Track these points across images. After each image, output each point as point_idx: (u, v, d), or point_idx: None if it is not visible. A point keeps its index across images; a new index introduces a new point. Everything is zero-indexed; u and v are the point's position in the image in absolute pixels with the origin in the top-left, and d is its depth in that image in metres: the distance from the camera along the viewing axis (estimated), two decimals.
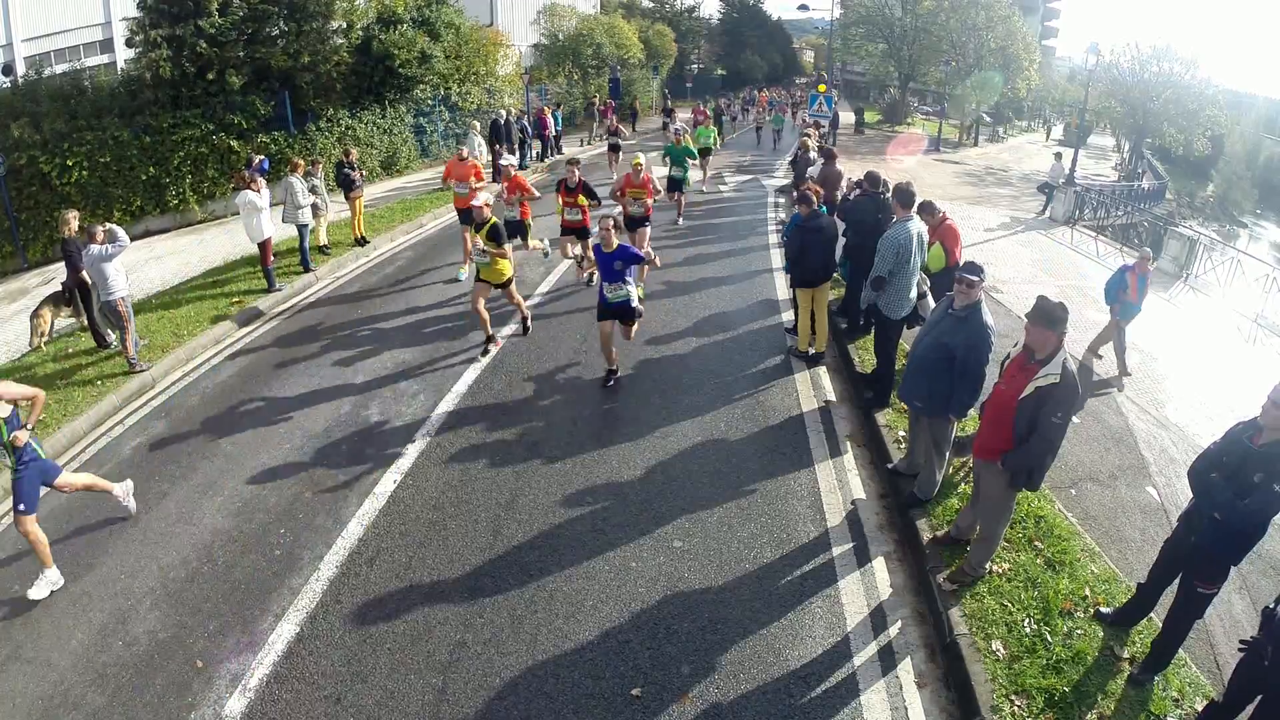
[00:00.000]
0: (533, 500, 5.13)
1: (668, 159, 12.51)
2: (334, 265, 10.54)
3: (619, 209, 9.40)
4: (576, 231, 9.00)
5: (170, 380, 7.14)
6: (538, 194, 9.08)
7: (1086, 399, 7.10)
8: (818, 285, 7.05)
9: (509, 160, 9.32)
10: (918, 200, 6.18)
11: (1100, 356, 8.19)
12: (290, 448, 5.83)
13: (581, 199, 8.73)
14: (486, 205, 7.15)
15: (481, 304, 7.21)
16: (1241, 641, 3.23)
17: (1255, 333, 10.88)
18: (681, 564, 4.53)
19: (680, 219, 13.05)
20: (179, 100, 13.65)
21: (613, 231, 6.20)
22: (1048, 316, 3.75)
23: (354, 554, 4.60)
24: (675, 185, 12.54)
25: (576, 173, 8.63)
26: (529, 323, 7.88)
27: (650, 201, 9.24)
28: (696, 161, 13.56)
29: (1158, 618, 3.96)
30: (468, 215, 9.86)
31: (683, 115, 27.04)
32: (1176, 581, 3.74)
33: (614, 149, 18.26)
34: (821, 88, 22.01)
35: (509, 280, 7.32)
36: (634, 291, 6.45)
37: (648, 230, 9.36)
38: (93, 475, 5.01)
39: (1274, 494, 3.17)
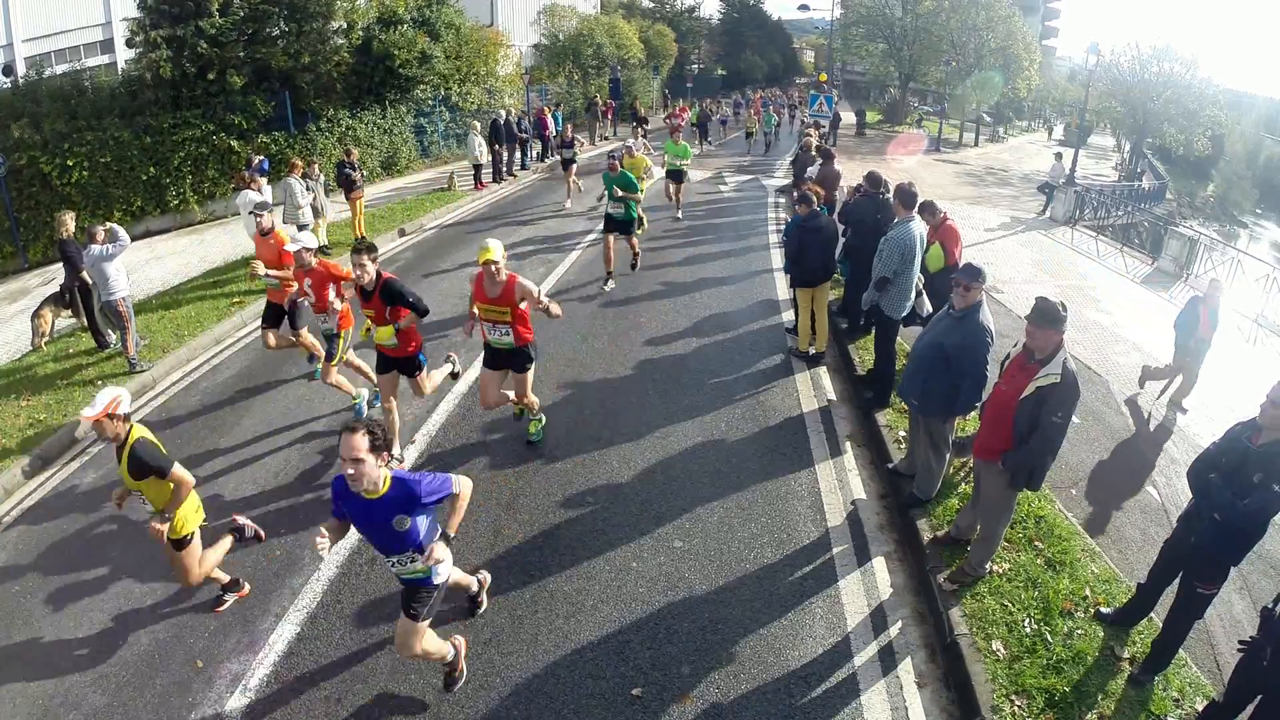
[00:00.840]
0: (533, 500, 5.13)
1: (604, 195, 9.41)
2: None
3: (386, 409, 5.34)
4: (400, 365, 5.34)
5: (170, 380, 7.14)
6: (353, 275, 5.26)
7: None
8: (817, 285, 7.05)
9: (302, 243, 5.76)
10: (919, 201, 6.18)
11: (1186, 410, 7.27)
12: (291, 448, 5.83)
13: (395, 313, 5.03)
14: (109, 416, 3.53)
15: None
16: (1241, 642, 3.23)
17: (1255, 333, 10.89)
18: (682, 564, 4.53)
19: (610, 281, 9.27)
20: (179, 100, 13.65)
21: (364, 462, 2.97)
22: (1049, 316, 3.74)
23: (354, 554, 4.60)
24: (617, 226, 9.12)
25: (369, 266, 4.97)
26: (226, 596, 4.25)
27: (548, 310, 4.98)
28: (641, 194, 9.39)
29: (1158, 618, 3.96)
30: (278, 314, 6.51)
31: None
32: (1177, 582, 3.74)
33: (568, 165, 14.11)
34: (822, 76, 21.98)
35: (188, 538, 3.90)
36: (445, 559, 3.21)
37: (529, 377, 5.41)
38: None
39: (1273, 494, 3.17)
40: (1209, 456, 3.55)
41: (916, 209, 6.11)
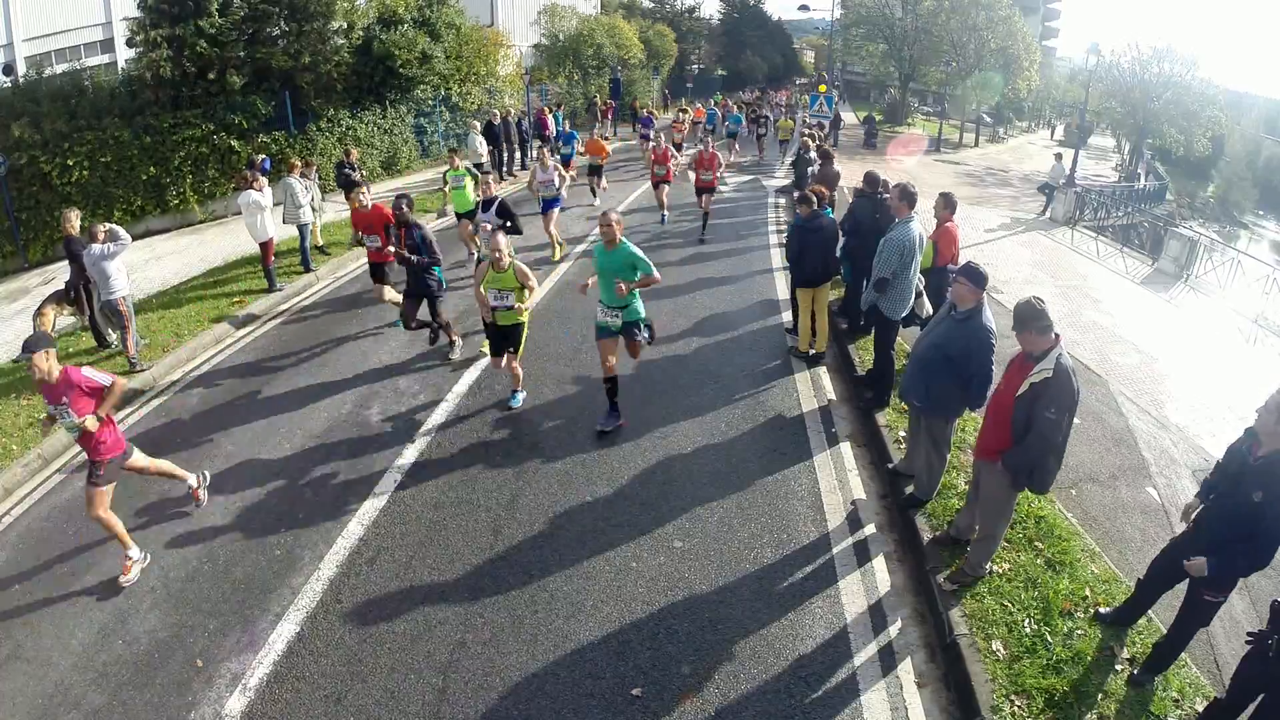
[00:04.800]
0: (533, 500, 5.13)
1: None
2: (334, 265, 10.55)
3: None
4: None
5: (170, 380, 7.14)
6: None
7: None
8: (817, 285, 7.05)
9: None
10: (939, 193, 6.21)
11: None
12: (290, 448, 5.83)
13: None
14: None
15: None
16: (1248, 634, 3.22)
17: (1255, 333, 10.90)
18: (682, 564, 4.53)
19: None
20: (179, 100, 13.67)
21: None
22: (1020, 318, 3.81)
23: (354, 554, 4.60)
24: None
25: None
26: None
27: None
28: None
29: (1157, 618, 3.96)
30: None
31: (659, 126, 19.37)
32: (1178, 583, 3.73)
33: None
34: (822, 88, 21.92)
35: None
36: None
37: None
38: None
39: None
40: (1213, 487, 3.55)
41: (937, 197, 6.13)
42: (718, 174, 12.21)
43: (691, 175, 12.63)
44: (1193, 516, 3.67)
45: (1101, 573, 4.46)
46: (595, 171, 14.60)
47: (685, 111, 22.89)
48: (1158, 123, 32.51)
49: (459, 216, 10.43)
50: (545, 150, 10.84)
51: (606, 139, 25.00)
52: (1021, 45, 38.20)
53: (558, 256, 10.57)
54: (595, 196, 14.58)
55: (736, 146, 21.82)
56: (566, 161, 15.21)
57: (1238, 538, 3.28)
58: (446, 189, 9.74)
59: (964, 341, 4.38)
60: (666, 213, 13.06)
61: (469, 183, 10.03)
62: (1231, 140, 41.54)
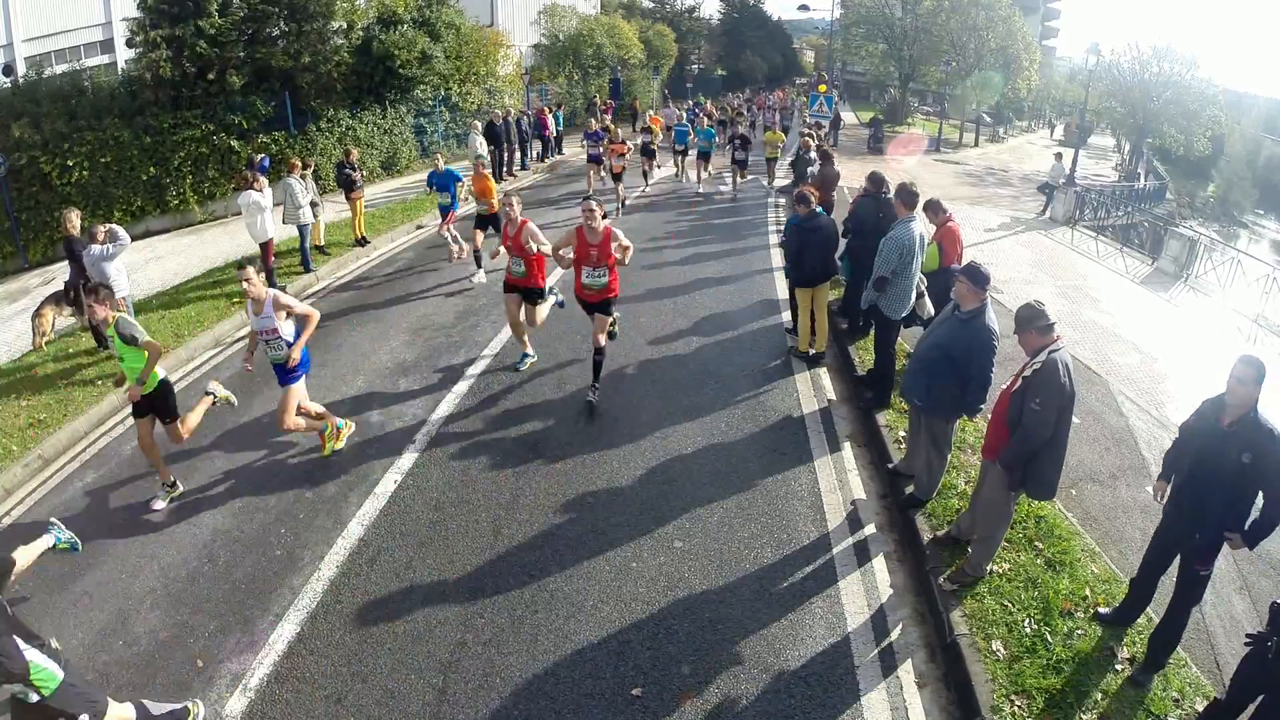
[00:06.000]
0: (533, 500, 5.13)
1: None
2: (334, 265, 10.55)
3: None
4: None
5: (170, 380, 7.12)
6: None
7: None
8: (816, 285, 7.05)
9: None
10: (923, 199, 6.18)
11: None
12: (291, 448, 5.83)
13: None
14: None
15: None
16: (1247, 635, 3.23)
17: (1255, 333, 10.90)
18: (682, 564, 4.53)
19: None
20: (179, 100, 13.65)
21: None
22: (1019, 319, 3.94)
23: (354, 554, 4.61)
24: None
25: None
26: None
27: None
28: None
29: (1157, 617, 3.96)
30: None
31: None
32: (1173, 568, 3.74)
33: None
34: (823, 88, 21.84)
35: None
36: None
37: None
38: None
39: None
40: (1184, 444, 3.58)
41: (922, 207, 6.11)
42: (615, 270, 6.25)
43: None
44: (1167, 494, 3.72)
45: (1101, 573, 4.46)
46: (483, 224, 9.70)
47: (651, 131, 16.46)
48: (1158, 122, 32.56)
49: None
50: (250, 271, 5.10)
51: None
52: (1021, 45, 38.21)
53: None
54: (479, 268, 9.62)
55: (709, 171, 16.72)
56: (445, 214, 10.36)
57: (1232, 504, 3.36)
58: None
59: (967, 341, 4.39)
60: (530, 353, 7.12)
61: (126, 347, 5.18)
62: (1231, 140, 41.56)
